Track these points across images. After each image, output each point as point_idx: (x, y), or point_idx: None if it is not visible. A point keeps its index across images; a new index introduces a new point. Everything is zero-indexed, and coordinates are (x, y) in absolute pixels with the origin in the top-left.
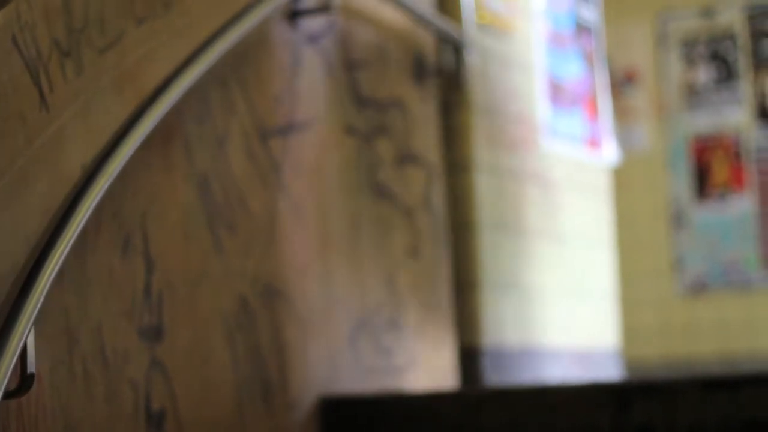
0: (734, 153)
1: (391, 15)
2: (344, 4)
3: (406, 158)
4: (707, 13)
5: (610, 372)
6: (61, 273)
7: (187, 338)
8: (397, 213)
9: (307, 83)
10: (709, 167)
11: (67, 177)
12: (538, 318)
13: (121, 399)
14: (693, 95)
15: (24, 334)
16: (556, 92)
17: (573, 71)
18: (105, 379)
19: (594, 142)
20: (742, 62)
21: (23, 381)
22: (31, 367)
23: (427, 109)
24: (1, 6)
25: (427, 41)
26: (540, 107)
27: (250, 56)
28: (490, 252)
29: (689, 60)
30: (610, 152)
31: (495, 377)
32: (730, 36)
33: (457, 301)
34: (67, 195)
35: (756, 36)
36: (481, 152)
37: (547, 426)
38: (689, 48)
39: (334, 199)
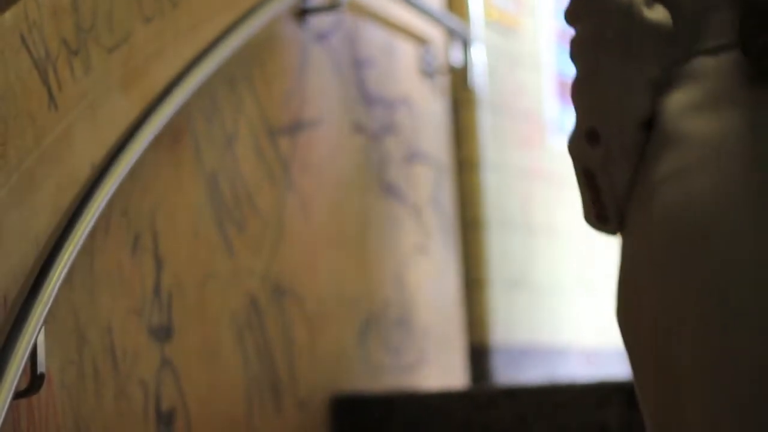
0: None
1: (399, 12)
2: (352, 2)
3: (414, 156)
4: None
5: (619, 370)
6: (70, 272)
7: (196, 337)
8: (406, 211)
9: (316, 81)
10: None
11: (76, 176)
12: (547, 315)
13: (131, 398)
14: None
15: (34, 333)
16: (565, 89)
17: None
18: (115, 378)
19: None
20: None
21: (33, 381)
22: (41, 367)
23: (435, 107)
24: (8, 5)
25: (435, 38)
26: (548, 104)
27: (258, 55)
28: (499, 250)
29: None
30: None
31: (504, 375)
32: None
33: (465, 299)
34: (77, 194)
35: None
36: (488, 150)
37: (557, 424)
38: None
39: (342, 197)
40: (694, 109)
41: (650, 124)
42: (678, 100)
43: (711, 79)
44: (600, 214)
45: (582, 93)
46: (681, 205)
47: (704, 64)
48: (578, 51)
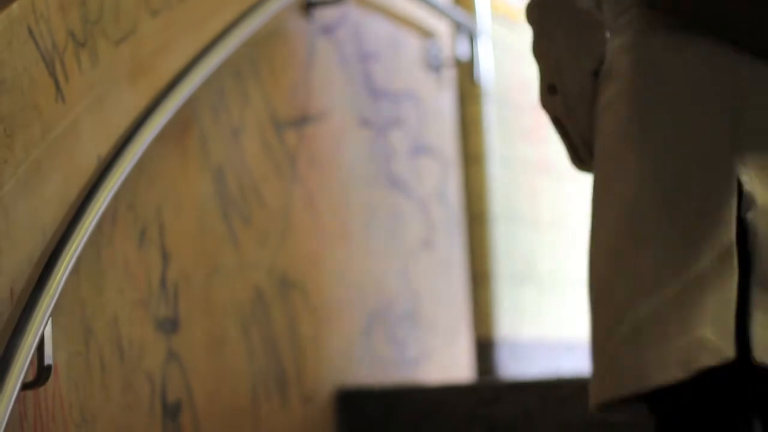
0: None
1: (405, 5)
2: None
3: (420, 149)
4: None
5: None
6: (77, 265)
7: (202, 330)
8: (412, 204)
9: (322, 75)
10: None
11: (82, 168)
12: (553, 309)
13: (137, 391)
14: None
15: (41, 325)
16: None
17: None
18: (121, 371)
19: None
20: None
21: (40, 372)
22: (49, 359)
23: (441, 100)
24: None
25: (441, 32)
26: None
27: (264, 48)
28: (504, 243)
29: None
30: None
31: (510, 369)
32: None
33: (471, 293)
34: (83, 186)
35: None
36: (494, 143)
37: (562, 418)
38: None
39: (348, 190)
40: (620, 51)
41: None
42: (614, 44)
43: (631, 27)
44: (575, 155)
45: (538, 53)
46: (610, 126)
47: (630, 15)
48: (530, 16)
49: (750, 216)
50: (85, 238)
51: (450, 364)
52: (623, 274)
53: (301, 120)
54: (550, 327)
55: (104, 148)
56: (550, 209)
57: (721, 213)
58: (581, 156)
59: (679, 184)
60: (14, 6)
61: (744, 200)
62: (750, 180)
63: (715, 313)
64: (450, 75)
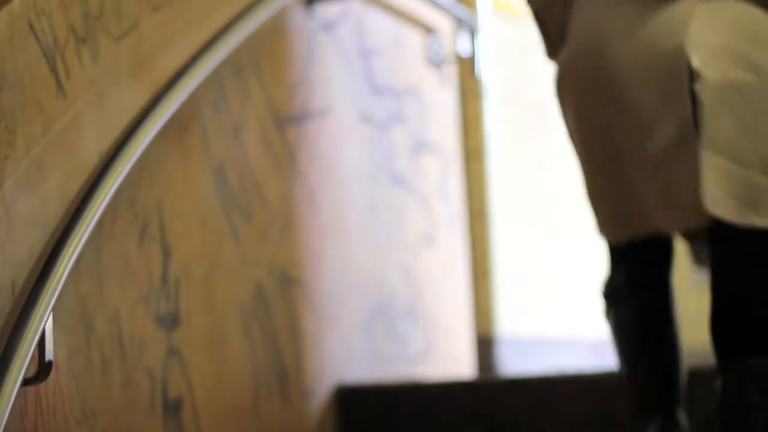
0: None
1: (406, 2)
2: None
3: (421, 146)
4: None
5: None
6: (78, 261)
7: (203, 326)
8: (413, 201)
9: (323, 71)
10: None
11: (83, 164)
12: (552, 307)
13: (138, 387)
14: None
15: (42, 321)
16: None
17: None
18: (122, 366)
19: None
20: None
21: (41, 368)
22: (49, 355)
23: (442, 97)
24: None
25: (442, 28)
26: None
27: (265, 44)
28: (505, 240)
29: None
30: None
31: (511, 365)
32: None
33: (472, 290)
34: (84, 183)
35: None
36: (495, 140)
37: (563, 415)
38: None
39: (349, 186)
40: None
41: None
42: None
43: None
44: (550, 46)
45: None
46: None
47: None
48: None
49: (696, 87)
50: (86, 234)
51: (451, 360)
52: (612, 150)
53: (302, 116)
54: (551, 324)
55: (105, 144)
56: (550, 206)
57: (677, 90)
58: (555, 45)
59: (644, 70)
60: (15, 2)
61: (693, 75)
62: (698, 58)
63: (686, 179)
64: (451, 71)
